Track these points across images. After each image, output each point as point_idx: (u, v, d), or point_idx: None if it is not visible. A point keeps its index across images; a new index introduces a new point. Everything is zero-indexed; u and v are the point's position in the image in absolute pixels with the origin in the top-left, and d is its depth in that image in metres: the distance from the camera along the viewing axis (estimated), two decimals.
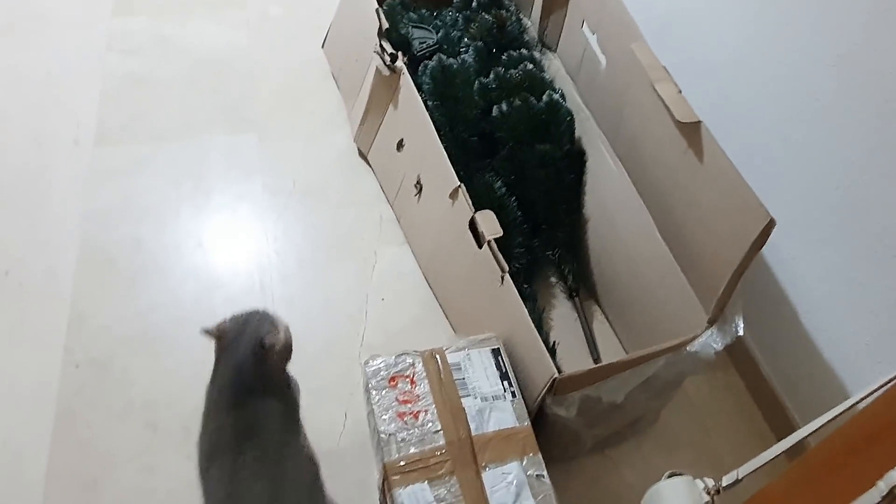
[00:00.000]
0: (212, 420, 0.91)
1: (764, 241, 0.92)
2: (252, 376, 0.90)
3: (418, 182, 1.41)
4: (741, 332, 1.01)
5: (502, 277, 1.13)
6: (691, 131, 1.03)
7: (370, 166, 1.62)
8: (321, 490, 0.94)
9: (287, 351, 0.95)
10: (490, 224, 1.17)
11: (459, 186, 1.24)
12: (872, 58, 0.96)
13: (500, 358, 1.10)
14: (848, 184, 1.03)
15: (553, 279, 1.45)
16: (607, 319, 1.40)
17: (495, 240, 1.15)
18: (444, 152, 1.29)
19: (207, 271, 1.41)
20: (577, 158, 1.43)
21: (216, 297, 1.37)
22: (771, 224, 0.90)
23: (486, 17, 1.54)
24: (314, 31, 1.92)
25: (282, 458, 0.89)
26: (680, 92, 1.06)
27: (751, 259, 0.94)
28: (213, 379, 0.93)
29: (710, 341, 1.05)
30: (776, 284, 1.20)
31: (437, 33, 1.66)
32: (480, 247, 1.18)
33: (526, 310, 1.08)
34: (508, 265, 1.30)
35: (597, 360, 1.34)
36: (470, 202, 1.21)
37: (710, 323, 1.07)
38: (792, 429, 1.19)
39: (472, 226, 1.20)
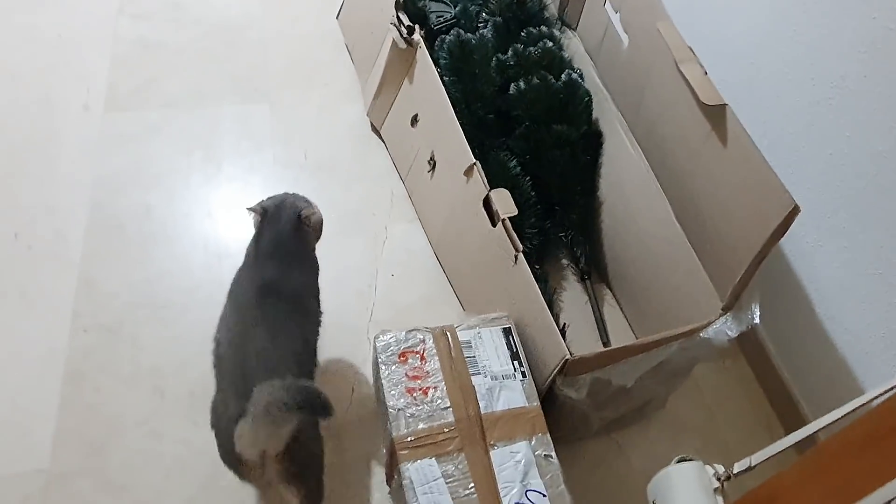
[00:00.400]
0: (245, 271, 1.06)
1: (786, 228, 0.90)
2: (289, 241, 1.06)
3: (432, 158, 1.39)
4: (757, 321, 1.00)
5: (516, 257, 1.12)
6: (716, 114, 1.01)
7: (383, 141, 1.60)
8: (314, 354, 1.06)
9: (319, 227, 1.12)
10: (505, 202, 1.15)
11: (475, 164, 1.22)
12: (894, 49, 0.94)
13: (511, 337, 1.09)
14: (873, 173, 1.01)
15: (565, 261, 1.44)
16: (618, 303, 1.39)
17: (509, 219, 1.13)
18: (460, 129, 1.27)
19: (217, 241, 1.40)
20: (593, 140, 1.41)
21: (225, 266, 1.35)
22: (795, 210, 0.88)
23: None
24: (330, 1, 1.89)
25: (295, 311, 1.02)
26: (706, 73, 1.04)
27: (772, 245, 0.93)
28: (255, 240, 1.07)
29: (725, 328, 1.04)
30: (791, 272, 1.19)
31: (454, 7, 1.64)
32: (494, 225, 1.17)
33: (539, 290, 1.07)
34: (521, 242, 1.30)
35: (606, 343, 1.33)
36: (485, 180, 1.19)
37: (725, 310, 1.06)
38: (801, 419, 1.19)
39: (487, 204, 1.19)
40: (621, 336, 1.34)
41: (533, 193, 1.36)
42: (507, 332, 1.10)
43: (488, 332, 1.09)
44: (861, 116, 1.02)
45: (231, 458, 0.91)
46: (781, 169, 1.06)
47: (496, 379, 1.04)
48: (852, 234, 1.07)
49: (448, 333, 1.08)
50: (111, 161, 1.49)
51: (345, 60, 1.77)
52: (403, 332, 1.08)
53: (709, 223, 1.08)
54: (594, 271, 1.42)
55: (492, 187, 1.21)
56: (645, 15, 1.22)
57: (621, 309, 1.38)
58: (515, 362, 1.06)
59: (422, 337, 1.07)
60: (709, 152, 1.04)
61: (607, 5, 1.40)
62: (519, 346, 1.08)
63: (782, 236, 0.92)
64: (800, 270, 1.18)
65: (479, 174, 1.21)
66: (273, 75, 1.73)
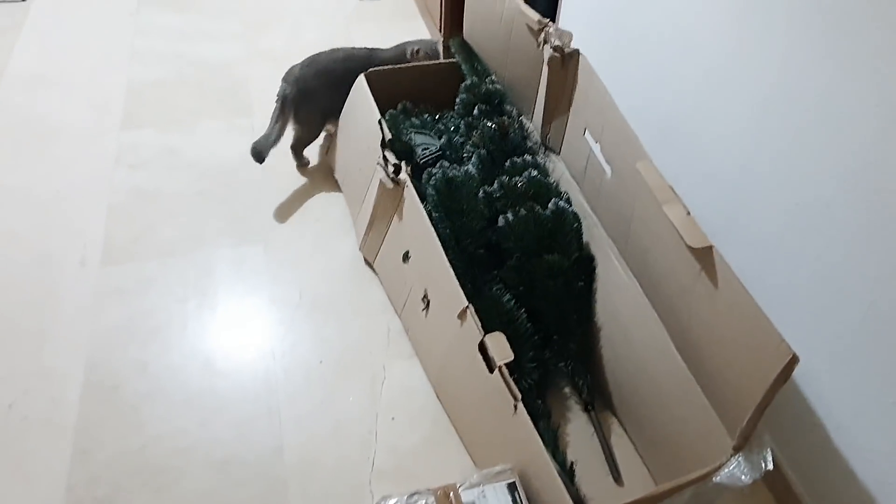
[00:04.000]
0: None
1: (787, 377, 0.88)
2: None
3: (425, 296, 1.39)
4: (770, 466, 0.96)
5: (515, 406, 1.09)
6: (703, 256, 1.01)
7: (377, 275, 1.61)
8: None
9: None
10: (501, 348, 1.14)
11: (468, 307, 1.21)
12: (883, 172, 0.95)
13: (516, 493, 1.05)
14: (872, 299, 0.99)
15: (567, 390, 1.41)
16: (626, 432, 1.34)
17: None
18: (451, 270, 1.27)
19: (213, 394, 1.38)
20: (586, 265, 1.41)
21: (221, 421, 1.33)
22: (794, 360, 0.86)
23: (489, 124, 1.56)
24: (320, 138, 1.95)
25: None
26: (689, 213, 1.05)
27: (774, 393, 0.91)
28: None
29: (738, 472, 1.00)
30: (802, 400, 1.15)
31: (439, 139, 1.68)
32: (491, 371, 1.15)
33: (542, 443, 1.04)
34: (520, 380, 1.27)
35: (617, 478, 1.28)
36: (479, 324, 1.18)
37: (736, 449, 1.02)
38: None
39: (483, 349, 1.17)
40: (632, 469, 1.29)
41: (529, 325, 1.34)
42: (512, 487, 1.06)
43: (493, 489, 1.05)
44: (852, 244, 1.02)
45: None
46: (777, 291, 1.05)
47: None
48: (856, 361, 1.04)
49: (451, 494, 1.04)
50: (107, 318, 1.49)
51: (336, 194, 1.81)
52: (405, 497, 1.04)
53: (708, 361, 1.06)
54: (598, 399, 1.38)
55: (487, 322, 1.20)
56: (624, 150, 1.25)
57: (630, 438, 1.34)
58: None
59: (424, 501, 1.03)
60: (700, 291, 1.04)
61: (587, 134, 1.44)
62: (525, 502, 1.04)
63: (784, 383, 0.89)
64: (811, 398, 1.14)
65: (472, 318, 1.20)
66: (267, 214, 1.76)
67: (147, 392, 1.37)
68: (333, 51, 1.85)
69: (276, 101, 1.76)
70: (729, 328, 0.99)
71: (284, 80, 1.78)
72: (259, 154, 1.74)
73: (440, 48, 1.92)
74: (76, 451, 1.28)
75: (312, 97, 1.77)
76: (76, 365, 1.40)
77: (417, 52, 1.87)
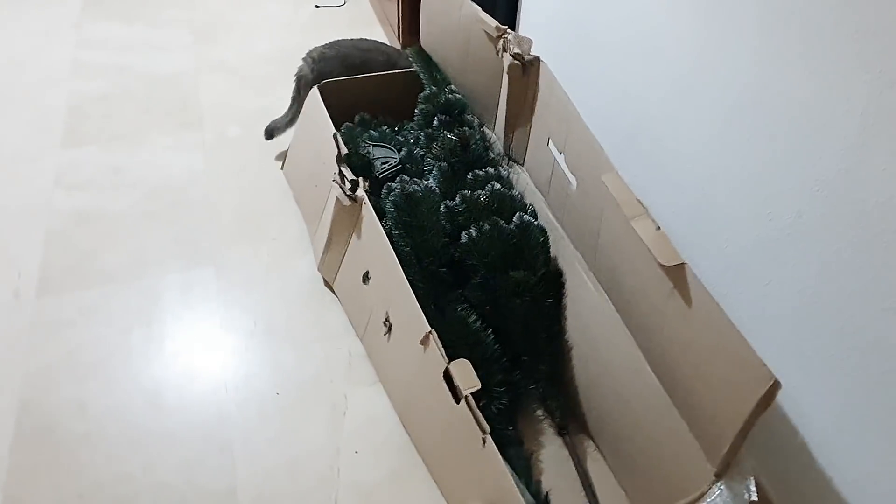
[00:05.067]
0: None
1: (769, 403, 0.82)
2: None
3: (387, 319, 1.31)
4: (754, 498, 0.90)
5: (484, 440, 1.02)
6: (676, 273, 0.95)
7: (336, 296, 1.52)
8: None
9: None
10: (467, 376, 1.07)
11: (430, 332, 1.14)
12: (857, 181, 0.90)
13: None
14: (851, 312, 0.95)
15: (538, 413, 1.34)
16: (602, 456, 1.28)
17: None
18: (411, 291, 1.20)
19: (159, 434, 1.28)
20: (554, 281, 1.35)
21: (166, 464, 1.23)
22: (775, 386, 0.81)
23: (450, 136, 1.49)
24: (274, 150, 1.86)
25: None
26: (659, 228, 0.99)
27: (755, 419, 0.85)
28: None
29: (721, 502, 0.94)
30: (784, 420, 1.10)
31: (399, 152, 1.61)
32: (458, 401, 1.08)
33: (513, 480, 0.97)
34: (489, 405, 1.20)
35: None
36: (443, 351, 1.11)
37: (717, 476, 0.97)
38: None
39: (447, 377, 1.10)
40: (610, 497, 1.22)
41: (497, 346, 1.27)
42: None
43: None
44: (827, 255, 0.97)
45: None
46: (749, 305, 1.00)
47: None
48: (837, 375, 0.99)
49: None
50: (43, 353, 1.38)
51: (293, 210, 1.72)
52: None
53: (685, 383, 1.00)
54: (572, 422, 1.32)
55: (452, 345, 1.13)
56: (589, 162, 1.19)
57: (606, 462, 1.27)
58: None
59: None
60: (673, 310, 0.98)
61: (550, 144, 1.38)
62: None
63: (766, 409, 0.84)
64: (792, 415, 1.09)
65: (435, 344, 1.13)
66: (218, 233, 1.66)
67: (85, 434, 1.26)
68: (360, 40, 1.83)
69: (294, 80, 1.75)
70: (704, 349, 0.93)
71: (304, 59, 1.76)
72: (271, 133, 1.79)
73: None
74: (6, 503, 1.17)
75: (326, 79, 1.70)
76: (7, 408, 1.29)
77: None
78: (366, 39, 1.85)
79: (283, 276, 1.57)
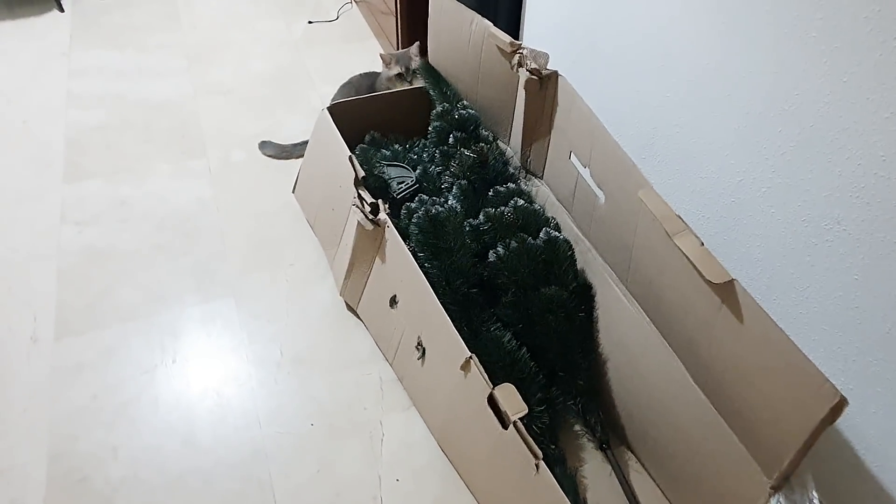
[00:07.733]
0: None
1: (834, 419, 0.82)
2: None
3: (420, 344, 1.29)
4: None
5: (537, 465, 1.01)
6: (725, 290, 0.94)
7: (361, 321, 1.50)
8: None
9: None
10: (513, 401, 1.05)
11: (471, 358, 1.12)
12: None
13: None
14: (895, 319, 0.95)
15: (578, 429, 1.33)
16: (644, 468, 1.28)
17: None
18: (446, 315, 1.18)
19: (196, 474, 1.25)
20: (584, 294, 1.34)
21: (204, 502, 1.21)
22: (842, 403, 0.80)
23: (468, 153, 1.48)
24: (282, 173, 1.84)
25: None
26: (702, 244, 0.99)
27: (819, 434, 0.85)
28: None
29: None
30: (832, 428, 1.10)
31: (414, 170, 1.60)
32: (505, 427, 1.07)
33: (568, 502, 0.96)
34: (531, 425, 1.19)
35: None
36: (486, 377, 1.10)
37: (775, 489, 0.96)
38: None
39: (492, 402, 1.09)
40: None
41: (533, 364, 1.26)
42: None
43: None
44: (868, 260, 0.97)
45: None
46: (789, 308, 1.00)
47: None
48: (884, 378, 1.00)
49: None
50: (67, 399, 1.35)
51: (307, 234, 1.70)
52: None
53: (735, 398, 0.99)
54: (613, 436, 1.31)
55: (488, 366, 1.11)
56: (620, 177, 1.18)
57: (649, 474, 1.27)
58: None
59: None
60: (722, 326, 0.97)
61: (573, 158, 1.38)
62: None
63: (831, 423, 0.83)
64: (840, 421, 1.09)
65: (477, 369, 1.11)
66: (234, 262, 1.63)
67: (120, 480, 1.23)
68: (349, 80, 1.91)
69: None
70: (759, 364, 0.93)
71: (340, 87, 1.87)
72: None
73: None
74: None
75: None
76: (37, 458, 1.25)
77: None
78: (353, 75, 1.89)
79: (305, 303, 1.55)
